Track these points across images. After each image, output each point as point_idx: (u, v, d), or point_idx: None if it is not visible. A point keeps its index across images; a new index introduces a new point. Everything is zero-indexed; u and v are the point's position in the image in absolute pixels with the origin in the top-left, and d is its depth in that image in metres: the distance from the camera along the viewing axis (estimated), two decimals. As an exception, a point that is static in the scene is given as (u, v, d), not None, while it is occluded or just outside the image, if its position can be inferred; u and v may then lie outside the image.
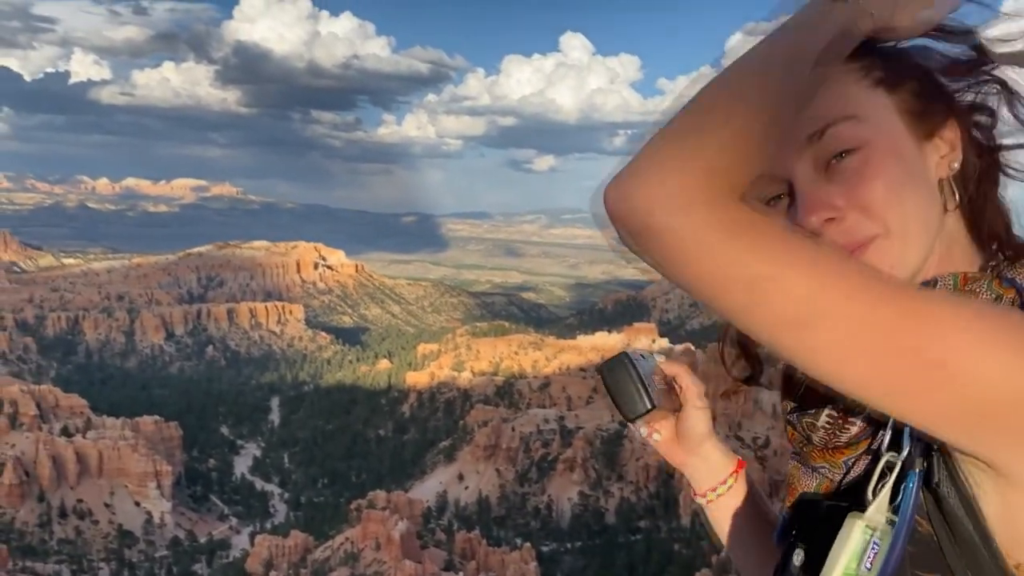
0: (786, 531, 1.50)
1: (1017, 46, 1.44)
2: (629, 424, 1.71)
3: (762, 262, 1.15)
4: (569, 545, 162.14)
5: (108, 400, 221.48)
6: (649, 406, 1.63)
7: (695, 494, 1.84)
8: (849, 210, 1.37)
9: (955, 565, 1.28)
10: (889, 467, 1.32)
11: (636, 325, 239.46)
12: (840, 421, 1.44)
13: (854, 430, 1.43)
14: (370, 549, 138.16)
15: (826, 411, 1.47)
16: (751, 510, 1.83)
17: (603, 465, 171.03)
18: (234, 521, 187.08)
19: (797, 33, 1.29)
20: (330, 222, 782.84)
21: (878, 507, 1.29)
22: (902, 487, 1.29)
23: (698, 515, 1.92)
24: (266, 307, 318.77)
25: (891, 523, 1.27)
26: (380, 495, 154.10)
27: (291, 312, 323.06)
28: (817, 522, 1.38)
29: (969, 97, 1.50)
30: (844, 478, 1.46)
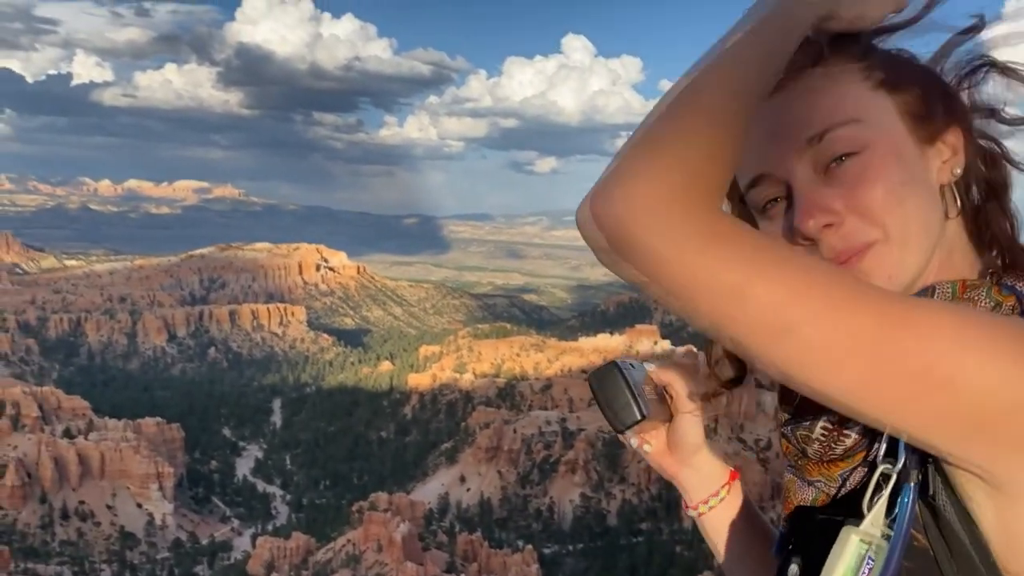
0: (784, 543, 1.44)
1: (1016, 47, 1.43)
2: (620, 435, 1.68)
3: (738, 271, 1.12)
4: (571, 547, 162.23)
5: (110, 402, 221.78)
6: (639, 416, 1.60)
7: (687, 506, 1.81)
8: (848, 214, 1.34)
9: None
10: (885, 478, 1.29)
11: (638, 327, 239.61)
12: (835, 433, 1.41)
13: (849, 442, 1.40)
14: (372, 551, 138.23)
15: (821, 422, 1.44)
16: (745, 522, 1.80)
17: (605, 467, 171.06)
18: (236, 523, 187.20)
19: (766, 35, 1.28)
20: (332, 224, 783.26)
21: (873, 520, 1.27)
22: (899, 500, 1.27)
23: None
24: (268, 309, 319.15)
25: (886, 537, 1.25)
26: (382, 497, 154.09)
27: (293, 314, 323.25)
28: (813, 534, 1.35)
29: (974, 98, 1.46)
30: (840, 491, 1.43)
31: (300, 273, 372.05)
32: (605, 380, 1.63)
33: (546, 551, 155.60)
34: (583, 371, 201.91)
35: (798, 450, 1.47)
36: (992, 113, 1.46)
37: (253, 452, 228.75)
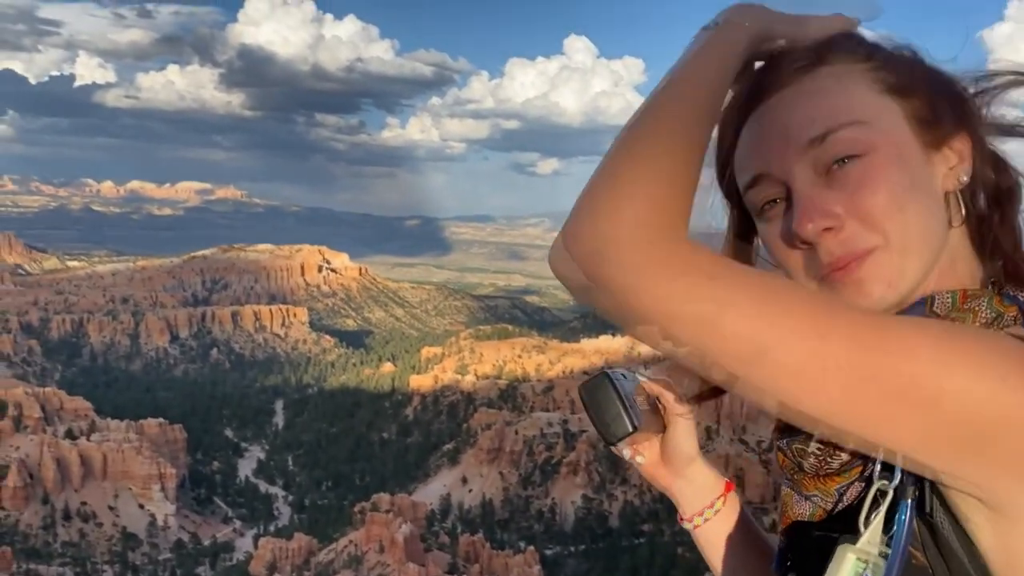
0: (782, 559, 1.45)
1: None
2: (612, 447, 1.64)
3: (708, 299, 1.13)
4: (573, 548, 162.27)
5: (112, 403, 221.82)
6: (630, 428, 1.57)
7: (682, 518, 1.78)
8: (848, 219, 1.32)
9: None
10: (881, 494, 1.28)
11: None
12: (831, 447, 1.37)
13: (845, 456, 1.36)
14: (374, 552, 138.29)
15: (816, 436, 1.39)
16: (742, 535, 1.77)
17: (607, 468, 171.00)
18: (238, 524, 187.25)
19: (707, 61, 1.32)
20: (334, 225, 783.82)
21: (870, 538, 1.26)
22: (896, 517, 1.25)
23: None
24: (270, 310, 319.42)
25: (884, 555, 1.24)
26: (384, 498, 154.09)
27: (295, 315, 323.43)
28: (810, 551, 1.35)
29: (989, 108, 1.42)
30: (836, 507, 1.40)
31: (302, 274, 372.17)
32: (596, 391, 1.60)
33: (548, 552, 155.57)
34: (585, 372, 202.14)
35: (794, 464, 1.44)
36: (1011, 130, 1.43)
37: (255, 453, 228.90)
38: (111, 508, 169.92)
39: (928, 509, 1.24)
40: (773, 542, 1.61)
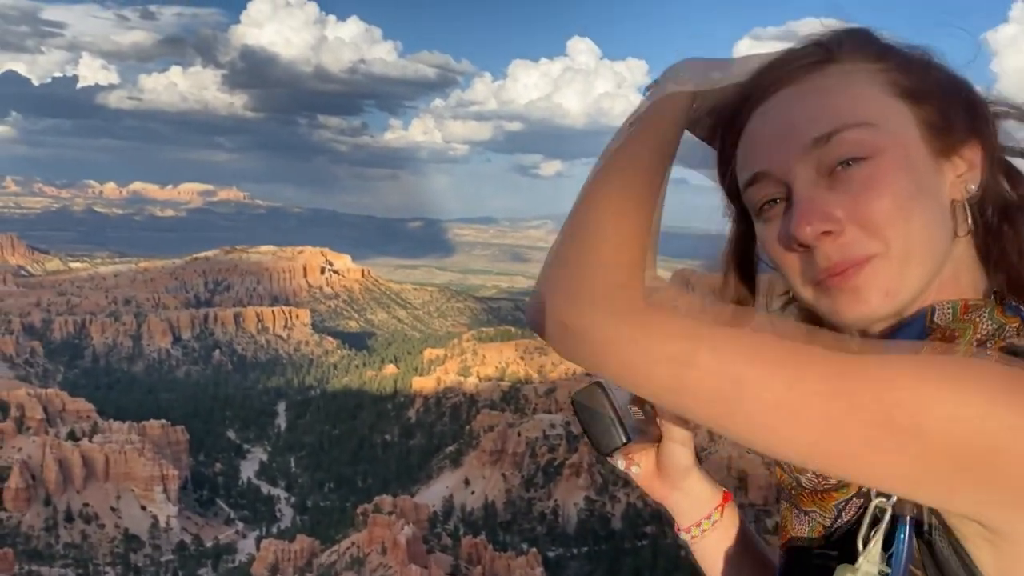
0: None
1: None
2: (606, 458, 1.63)
3: (679, 340, 1.14)
4: (575, 550, 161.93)
5: (115, 404, 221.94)
6: (624, 440, 1.55)
7: (678, 530, 1.74)
8: (849, 223, 1.28)
9: None
10: (880, 512, 1.27)
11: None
12: None
13: None
14: (376, 554, 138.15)
15: None
16: (740, 547, 1.71)
17: (609, 470, 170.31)
18: (240, 525, 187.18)
19: (657, 120, 1.38)
20: (336, 227, 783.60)
21: (869, 558, 1.24)
22: (896, 536, 1.24)
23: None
24: (273, 312, 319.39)
25: (883, 575, 1.22)
26: (386, 500, 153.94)
27: (298, 317, 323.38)
28: (809, 573, 1.35)
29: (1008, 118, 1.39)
30: (835, 523, 1.38)
31: (305, 276, 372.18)
32: (588, 401, 1.58)
33: (550, 554, 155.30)
34: (588, 375, 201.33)
35: (792, 479, 1.42)
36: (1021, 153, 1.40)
37: (257, 455, 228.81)
38: (113, 509, 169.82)
39: (927, 528, 1.23)
40: (773, 555, 1.61)
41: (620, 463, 1.68)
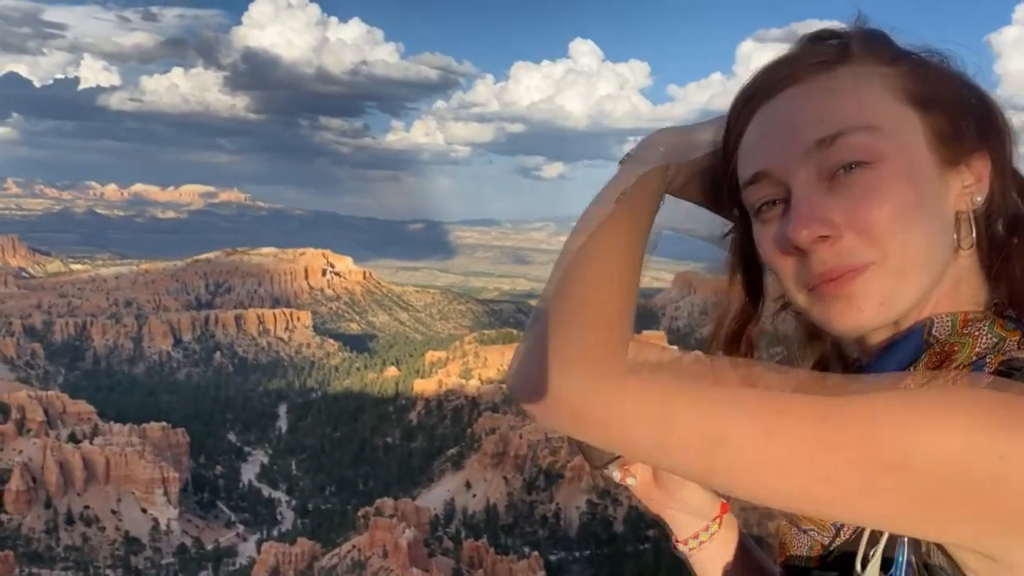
0: None
1: None
2: (601, 471, 1.57)
3: (652, 410, 1.14)
4: (577, 554, 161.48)
5: (115, 406, 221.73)
6: (616, 453, 1.48)
7: (675, 543, 1.69)
8: (847, 230, 1.26)
9: None
10: (879, 532, 1.25)
11: (645, 333, 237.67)
12: None
13: None
14: (377, 557, 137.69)
15: None
16: (739, 560, 1.68)
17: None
18: (241, 528, 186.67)
19: (636, 191, 1.40)
20: (338, 229, 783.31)
21: None
22: (895, 559, 1.22)
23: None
24: (274, 314, 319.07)
25: None
26: (387, 503, 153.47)
27: (299, 319, 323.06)
28: None
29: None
30: (833, 541, 1.36)
31: (306, 278, 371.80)
32: None
33: (552, 558, 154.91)
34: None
35: None
36: None
37: (258, 457, 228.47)
38: (114, 512, 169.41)
39: (925, 549, 1.21)
40: (773, 568, 1.59)
41: (616, 475, 1.64)
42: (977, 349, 1.25)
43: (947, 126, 1.30)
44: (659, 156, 1.46)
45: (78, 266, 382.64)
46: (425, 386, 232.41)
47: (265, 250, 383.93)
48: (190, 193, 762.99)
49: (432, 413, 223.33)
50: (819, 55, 1.33)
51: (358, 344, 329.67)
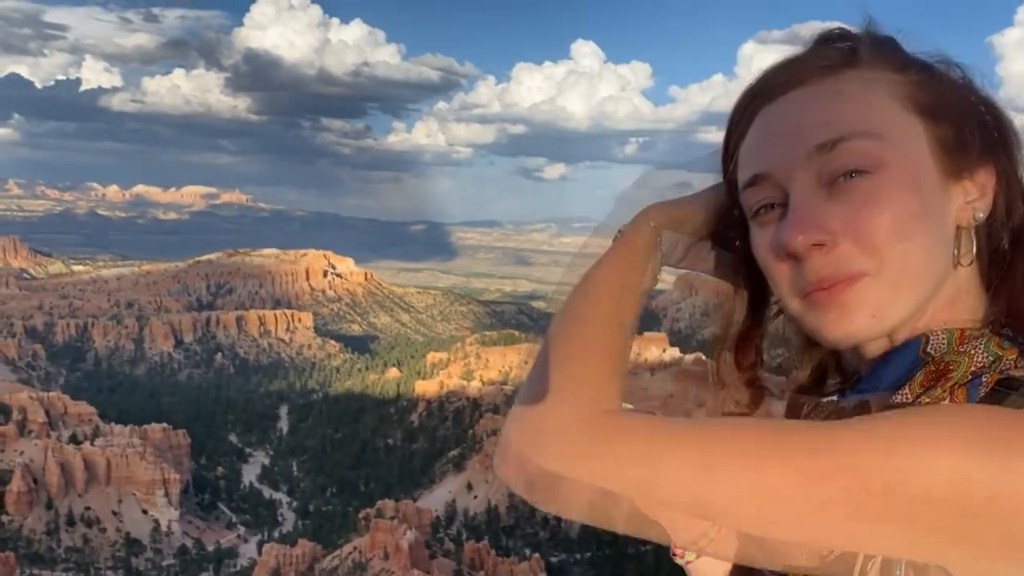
0: None
1: None
2: None
3: (637, 472, 1.13)
4: (579, 556, 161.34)
5: (116, 407, 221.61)
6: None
7: (673, 552, 1.65)
8: (844, 237, 1.23)
9: None
10: None
11: (647, 335, 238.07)
12: None
13: None
14: (378, 559, 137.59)
15: None
16: (740, 571, 1.60)
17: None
18: (242, 529, 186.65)
19: (625, 261, 1.43)
20: (339, 230, 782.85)
21: None
22: (893, 571, 1.17)
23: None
24: (275, 315, 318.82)
25: None
26: (388, 504, 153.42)
27: (300, 320, 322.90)
28: None
29: None
30: (831, 555, 1.26)
31: (307, 279, 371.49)
32: None
33: (553, 559, 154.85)
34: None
35: None
36: None
37: (259, 458, 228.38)
38: (115, 513, 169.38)
39: (923, 564, 1.16)
40: None
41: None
42: (973, 367, 1.23)
43: (953, 138, 1.28)
44: (649, 231, 1.45)
45: (79, 267, 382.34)
46: (426, 387, 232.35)
47: (266, 251, 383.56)
48: (191, 194, 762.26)
49: (433, 414, 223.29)
50: (826, 58, 1.31)
51: (359, 345, 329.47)
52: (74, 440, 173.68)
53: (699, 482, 1.11)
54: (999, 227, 1.33)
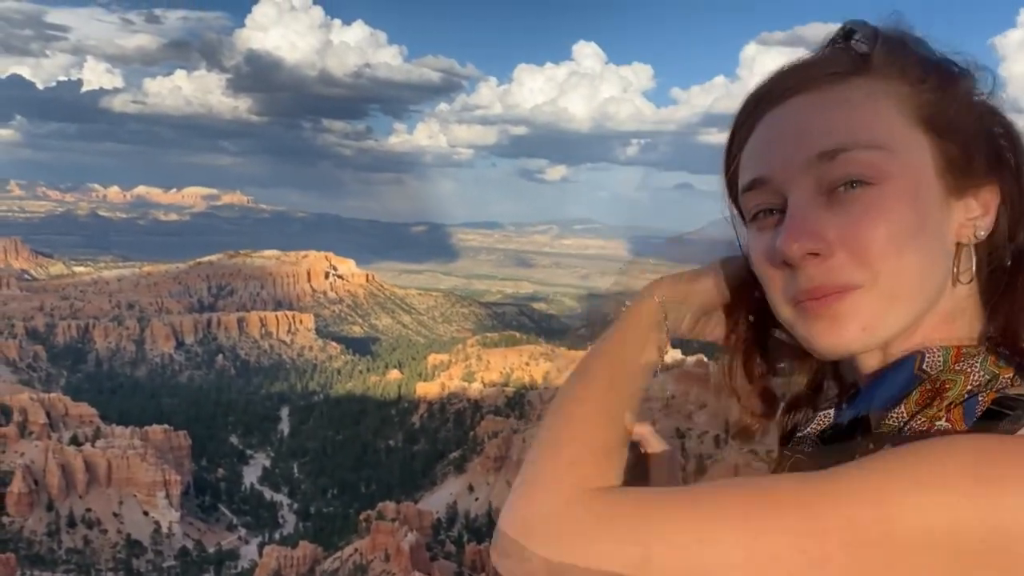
0: None
1: None
2: None
3: (629, 552, 1.12)
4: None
5: (117, 409, 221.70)
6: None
7: None
8: (839, 248, 1.21)
9: None
10: None
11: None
12: None
13: None
14: (379, 561, 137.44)
15: None
16: None
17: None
18: (243, 531, 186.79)
19: (630, 336, 1.43)
20: (341, 231, 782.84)
21: None
22: None
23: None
24: (276, 316, 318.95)
25: None
26: (389, 506, 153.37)
27: (301, 321, 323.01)
28: None
29: None
30: None
31: (309, 281, 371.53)
32: None
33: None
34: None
35: None
36: None
37: (260, 460, 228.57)
38: (116, 515, 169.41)
39: None
40: None
41: None
42: (969, 385, 1.22)
43: (959, 155, 1.26)
44: (655, 306, 1.45)
45: (80, 268, 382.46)
46: (427, 389, 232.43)
47: (268, 253, 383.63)
48: (193, 195, 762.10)
49: (434, 416, 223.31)
50: (836, 64, 1.28)
51: (360, 347, 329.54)
52: (75, 441, 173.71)
53: (694, 554, 1.10)
54: (1001, 245, 1.30)
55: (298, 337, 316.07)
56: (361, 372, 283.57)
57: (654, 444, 1.64)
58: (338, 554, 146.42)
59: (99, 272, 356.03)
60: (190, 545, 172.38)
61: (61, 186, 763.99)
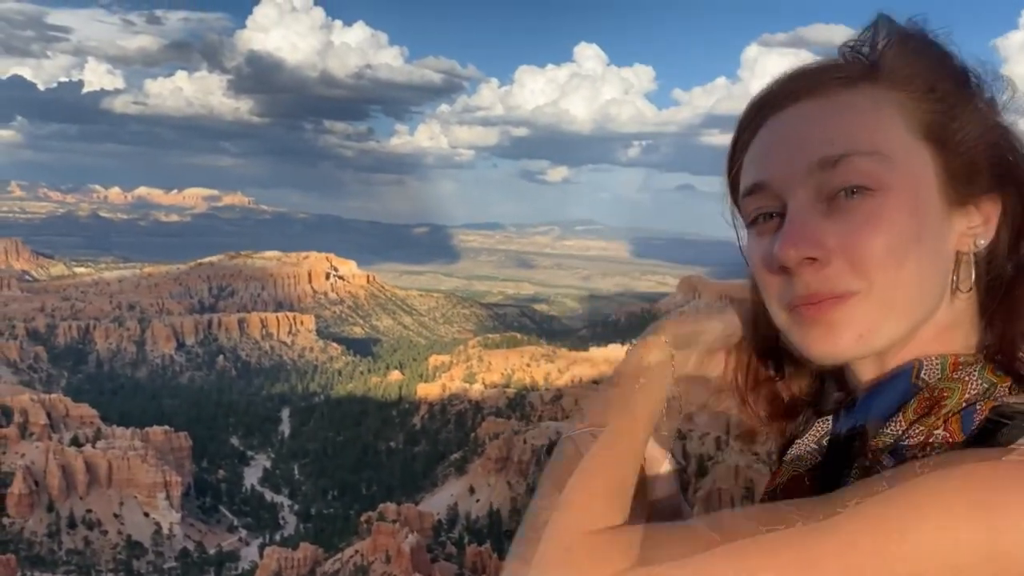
0: None
1: None
2: None
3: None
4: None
5: (118, 410, 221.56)
6: None
7: None
8: (837, 255, 1.21)
9: None
10: None
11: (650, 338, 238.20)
12: None
13: None
14: (380, 562, 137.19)
15: None
16: None
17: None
18: (243, 532, 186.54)
19: (629, 381, 1.41)
20: (342, 232, 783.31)
21: None
22: None
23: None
24: (277, 317, 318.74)
25: None
26: (390, 508, 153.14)
27: (302, 323, 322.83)
28: None
29: None
30: None
31: (309, 282, 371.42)
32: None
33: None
34: (594, 382, 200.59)
35: None
36: None
37: (261, 461, 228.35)
38: (116, 516, 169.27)
39: None
40: None
41: None
42: (967, 395, 1.22)
43: (961, 168, 1.26)
44: (663, 347, 1.44)
45: (81, 269, 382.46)
46: (428, 390, 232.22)
47: (269, 254, 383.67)
48: (194, 196, 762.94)
49: (435, 417, 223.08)
50: (843, 70, 1.28)
51: (361, 348, 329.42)
52: (75, 442, 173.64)
53: None
54: (1000, 256, 1.30)
55: (299, 338, 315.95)
56: (362, 373, 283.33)
57: (656, 465, 1.57)
58: (339, 555, 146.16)
59: (100, 273, 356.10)
60: (191, 546, 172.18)
61: (62, 187, 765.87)
